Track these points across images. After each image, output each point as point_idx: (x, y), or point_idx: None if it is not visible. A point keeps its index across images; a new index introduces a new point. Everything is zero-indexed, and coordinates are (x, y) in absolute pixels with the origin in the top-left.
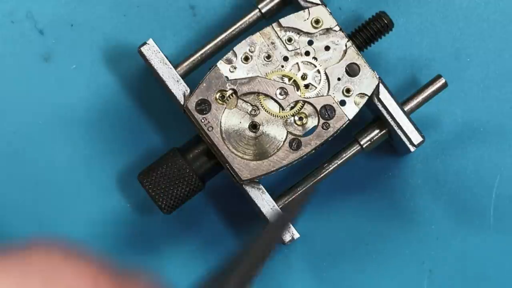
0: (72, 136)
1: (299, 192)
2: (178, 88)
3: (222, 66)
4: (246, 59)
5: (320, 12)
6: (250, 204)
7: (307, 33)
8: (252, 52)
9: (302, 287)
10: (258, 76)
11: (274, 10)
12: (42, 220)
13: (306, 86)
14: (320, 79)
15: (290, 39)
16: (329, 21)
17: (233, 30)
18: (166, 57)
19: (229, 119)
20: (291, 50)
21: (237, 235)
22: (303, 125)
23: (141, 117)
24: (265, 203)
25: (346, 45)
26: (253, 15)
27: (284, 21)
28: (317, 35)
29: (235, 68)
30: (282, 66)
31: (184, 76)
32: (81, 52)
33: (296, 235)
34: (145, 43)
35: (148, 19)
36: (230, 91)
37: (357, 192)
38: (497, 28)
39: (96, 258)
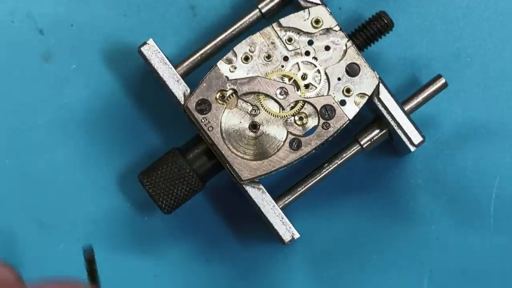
0: (72, 136)
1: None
2: (178, 88)
3: (222, 66)
4: (246, 59)
5: (320, 12)
6: (250, 204)
7: (307, 33)
8: (252, 52)
9: (302, 287)
10: (258, 76)
11: (274, 10)
12: (42, 220)
13: (306, 86)
14: (320, 79)
15: (290, 39)
16: (329, 21)
17: (233, 30)
18: (166, 57)
19: (229, 119)
20: (291, 50)
21: (237, 235)
22: (303, 125)
23: (141, 117)
24: (265, 203)
25: (346, 45)
26: (253, 15)
27: (284, 21)
28: (317, 35)
29: (235, 68)
30: (282, 66)
31: (184, 76)
32: (81, 52)
33: (296, 235)
34: (145, 43)
35: (148, 19)
36: (230, 91)
37: (357, 192)
38: (497, 28)
39: None
